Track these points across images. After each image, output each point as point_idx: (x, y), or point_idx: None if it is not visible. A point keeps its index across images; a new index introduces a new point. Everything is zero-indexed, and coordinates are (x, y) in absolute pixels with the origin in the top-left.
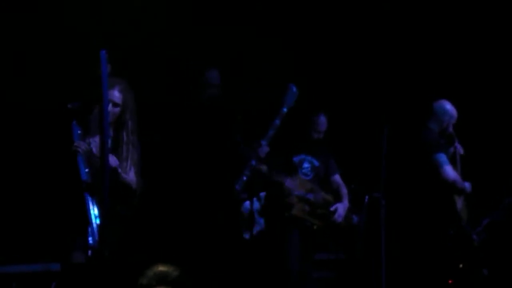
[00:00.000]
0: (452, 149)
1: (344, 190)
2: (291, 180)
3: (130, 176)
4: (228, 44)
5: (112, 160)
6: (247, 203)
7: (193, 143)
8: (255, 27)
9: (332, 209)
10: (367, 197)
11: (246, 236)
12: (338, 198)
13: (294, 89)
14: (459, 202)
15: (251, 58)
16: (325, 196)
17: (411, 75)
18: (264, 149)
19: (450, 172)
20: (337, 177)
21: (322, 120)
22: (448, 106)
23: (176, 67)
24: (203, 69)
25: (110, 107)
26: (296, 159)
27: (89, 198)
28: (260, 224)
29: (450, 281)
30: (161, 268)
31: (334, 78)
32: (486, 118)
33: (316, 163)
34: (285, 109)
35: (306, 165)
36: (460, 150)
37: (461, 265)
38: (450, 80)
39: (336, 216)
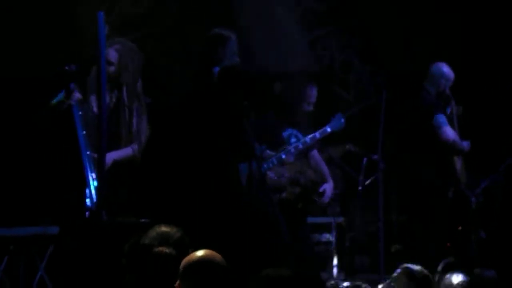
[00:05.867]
0: (449, 110)
1: (325, 168)
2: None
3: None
4: None
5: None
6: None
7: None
8: None
9: (321, 190)
10: (365, 159)
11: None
12: (320, 175)
13: (342, 120)
14: (458, 164)
15: None
16: (312, 177)
17: None
18: (285, 158)
19: (450, 132)
20: (315, 153)
21: (313, 92)
22: (445, 68)
23: None
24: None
25: None
26: (285, 134)
27: (87, 161)
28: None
29: (448, 244)
30: (164, 229)
31: None
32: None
33: (301, 137)
34: (328, 129)
35: (293, 139)
36: (458, 110)
37: (459, 228)
38: None
39: (324, 198)
